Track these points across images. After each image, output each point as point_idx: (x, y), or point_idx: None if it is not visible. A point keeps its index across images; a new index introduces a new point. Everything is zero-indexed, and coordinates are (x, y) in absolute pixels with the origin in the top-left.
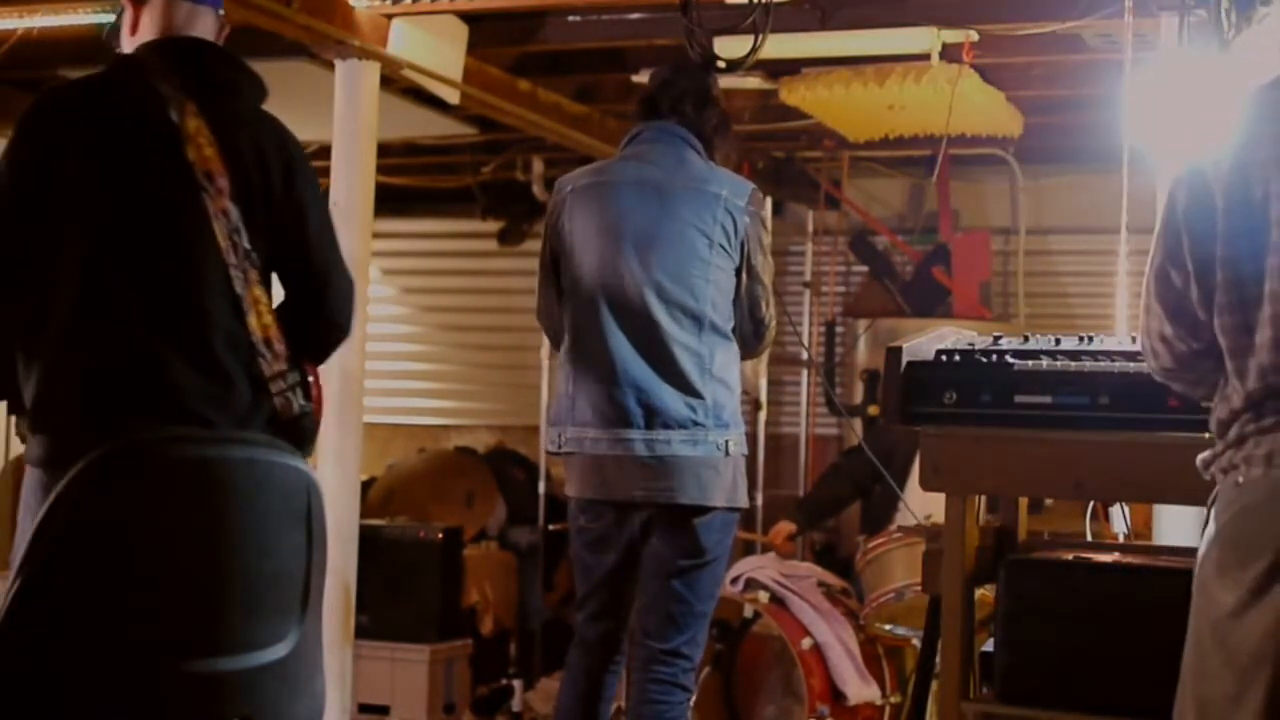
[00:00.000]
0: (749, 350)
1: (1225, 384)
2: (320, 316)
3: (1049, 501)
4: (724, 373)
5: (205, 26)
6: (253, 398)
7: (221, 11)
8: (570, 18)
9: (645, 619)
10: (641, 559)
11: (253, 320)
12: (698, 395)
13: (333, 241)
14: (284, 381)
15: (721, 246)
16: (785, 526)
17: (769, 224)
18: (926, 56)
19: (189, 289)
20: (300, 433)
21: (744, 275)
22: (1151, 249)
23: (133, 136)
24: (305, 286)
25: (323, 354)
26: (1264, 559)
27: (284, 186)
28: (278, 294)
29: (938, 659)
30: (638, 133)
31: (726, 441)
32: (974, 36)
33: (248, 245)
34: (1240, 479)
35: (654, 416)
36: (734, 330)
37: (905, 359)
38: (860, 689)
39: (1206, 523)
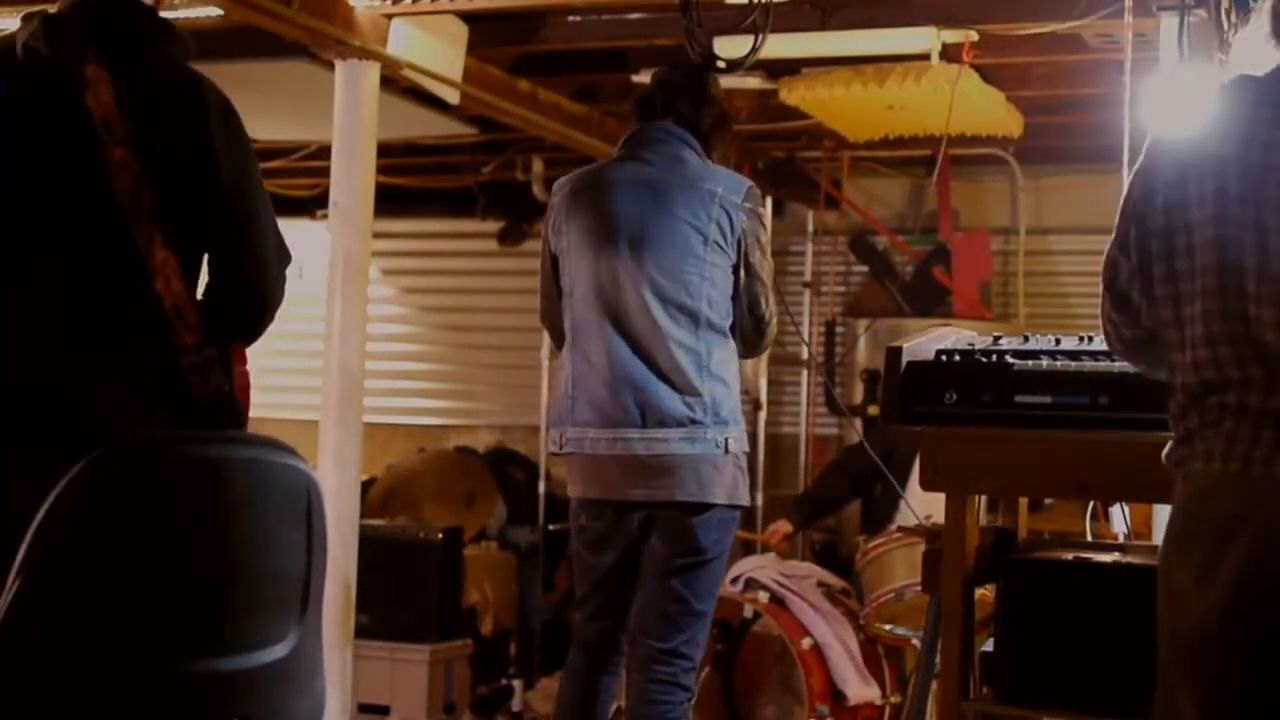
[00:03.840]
0: (750, 348)
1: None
2: (237, 284)
3: (1049, 501)
4: (722, 370)
5: None
6: (161, 374)
7: None
8: (570, 18)
9: (644, 618)
10: (640, 558)
11: (159, 285)
12: (695, 393)
13: (252, 203)
14: (197, 355)
15: (717, 244)
16: (781, 526)
17: (767, 221)
18: (926, 56)
19: (81, 246)
20: (220, 420)
21: (742, 272)
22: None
23: (32, 85)
24: (218, 248)
25: (242, 328)
26: (1203, 552)
27: (192, 137)
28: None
29: (938, 659)
30: (634, 133)
31: (726, 439)
32: (974, 36)
33: (150, 201)
34: (1187, 473)
35: (651, 415)
36: (733, 328)
37: (905, 359)
38: (860, 689)
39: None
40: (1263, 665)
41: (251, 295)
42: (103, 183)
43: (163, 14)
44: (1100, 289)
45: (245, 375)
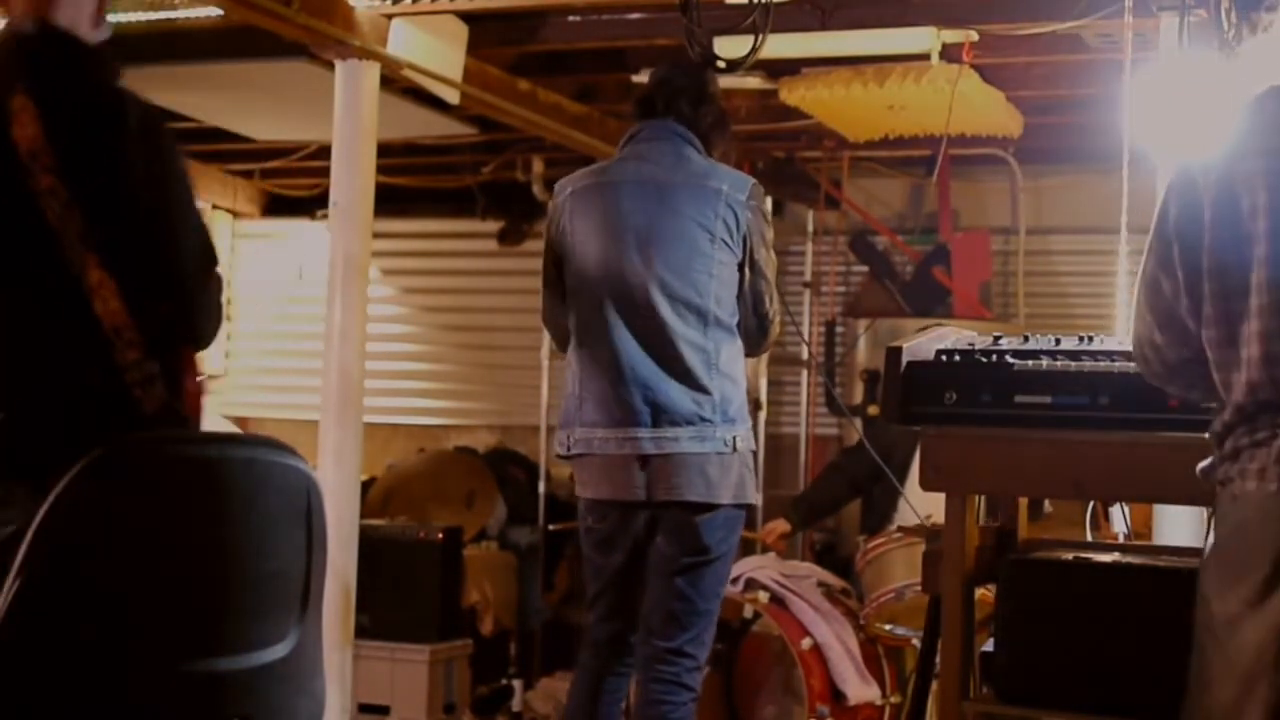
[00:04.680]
0: (753, 346)
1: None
2: (160, 301)
3: (1049, 508)
4: (730, 368)
5: (71, 12)
6: (107, 394)
7: None
8: (570, 18)
9: (649, 617)
10: (647, 558)
11: (98, 306)
12: (705, 391)
13: (168, 221)
14: (139, 371)
15: (724, 241)
16: (779, 525)
17: (769, 218)
18: (926, 56)
19: (18, 275)
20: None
21: (747, 270)
22: (1144, 254)
23: None
24: (140, 266)
25: (182, 338)
26: (1259, 573)
27: (109, 159)
28: None
29: (938, 659)
30: (636, 132)
31: (734, 437)
32: (974, 36)
33: (81, 224)
34: (1235, 493)
35: (661, 414)
36: (738, 326)
37: (905, 359)
38: (860, 689)
39: (1208, 533)
40: None
41: (177, 311)
42: (34, 211)
43: (158, 15)
44: (1134, 312)
45: (196, 384)
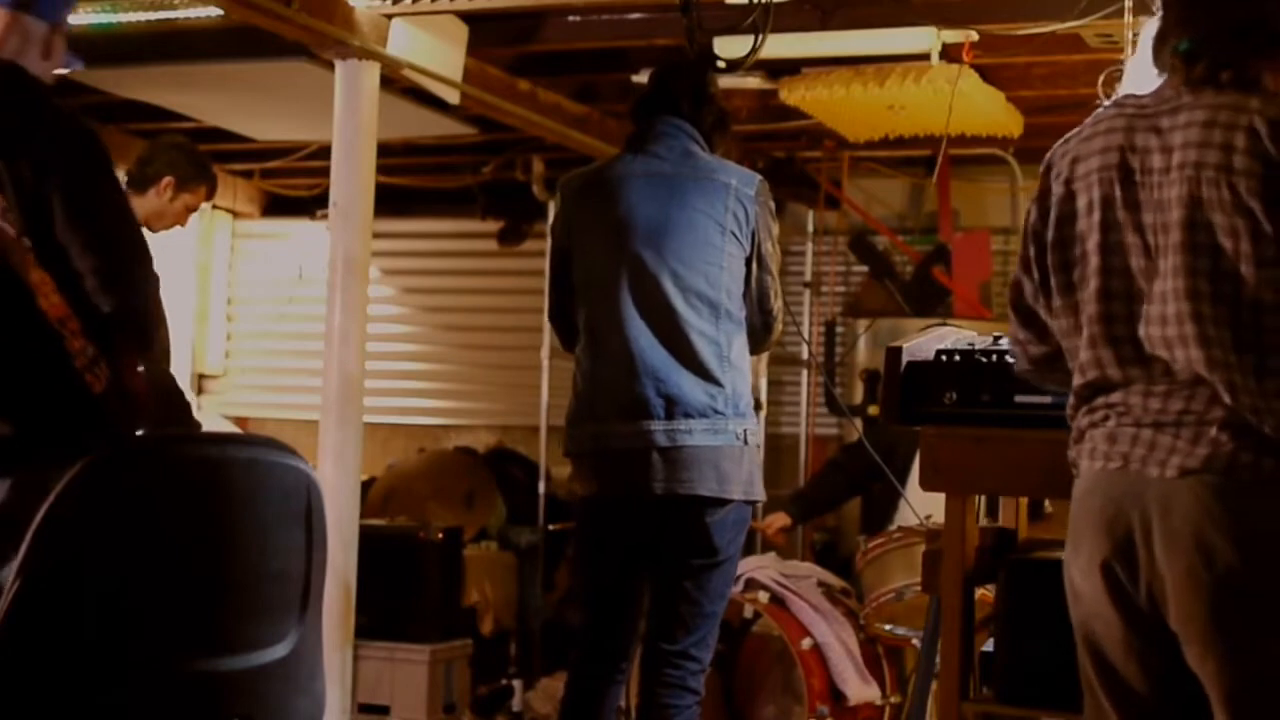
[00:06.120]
0: (757, 344)
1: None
2: (116, 313)
3: (1049, 508)
4: (741, 361)
5: (17, 42)
6: (62, 380)
7: (7, 4)
8: (570, 18)
9: (654, 619)
10: (652, 559)
11: (41, 302)
12: (717, 383)
13: (118, 235)
14: (84, 357)
15: (734, 234)
16: (780, 518)
17: (775, 214)
18: (926, 56)
19: None
20: (120, 408)
21: (754, 265)
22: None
23: None
24: (92, 280)
25: (129, 344)
26: (1089, 544)
27: (33, 174)
28: None
29: (938, 659)
30: (640, 129)
31: (745, 431)
32: (974, 36)
33: (18, 230)
34: (1080, 472)
35: (674, 406)
36: (745, 320)
37: (905, 359)
38: (860, 689)
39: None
40: (1153, 652)
41: (120, 320)
42: None
43: (158, 15)
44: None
45: (133, 371)
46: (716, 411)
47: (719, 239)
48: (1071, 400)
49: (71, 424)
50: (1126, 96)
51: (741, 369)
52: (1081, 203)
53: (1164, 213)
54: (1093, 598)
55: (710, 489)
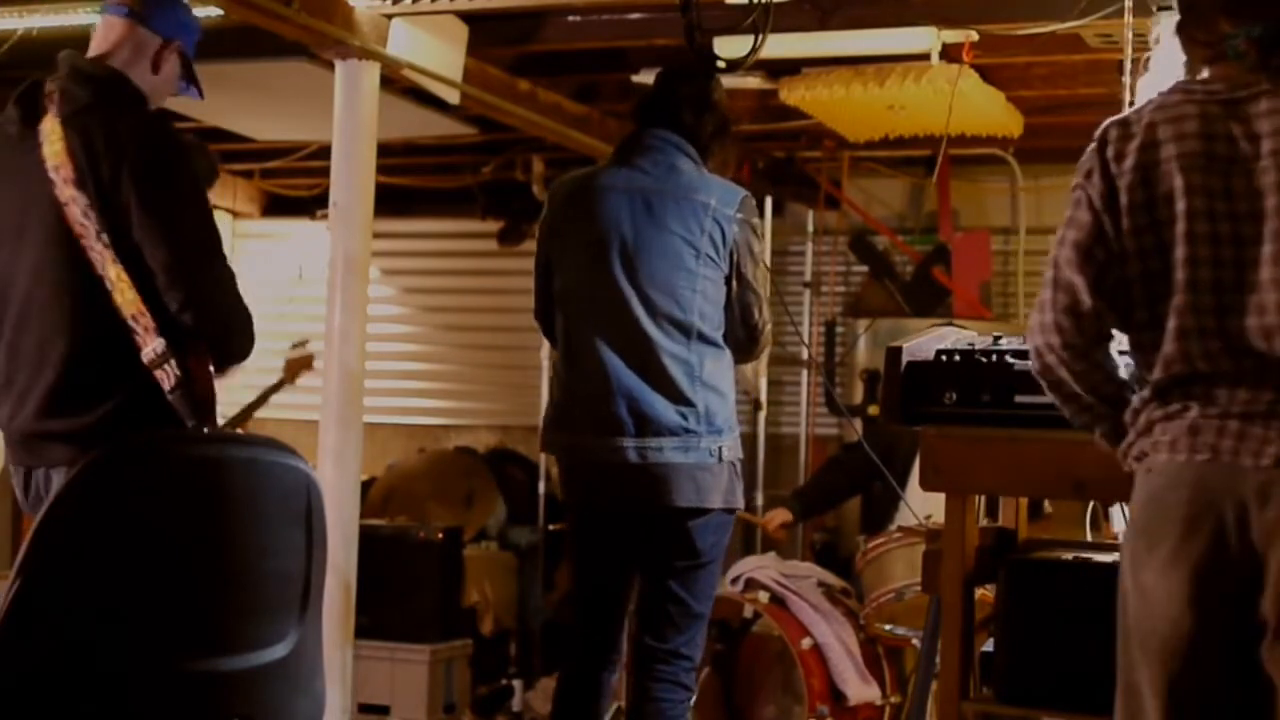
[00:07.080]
0: (744, 354)
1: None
2: (182, 311)
3: (1049, 509)
4: (715, 380)
5: (105, 39)
6: (131, 377)
7: (124, 14)
8: (570, 18)
9: (643, 620)
10: (638, 561)
11: (117, 298)
12: (689, 403)
13: (188, 236)
14: (154, 353)
15: (709, 257)
16: (781, 514)
17: (760, 230)
18: (926, 56)
19: (49, 271)
20: (185, 405)
21: (734, 283)
22: (1063, 227)
23: (5, 146)
24: (162, 278)
25: (190, 332)
26: (1170, 540)
27: (111, 174)
28: None
29: (938, 659)
30: (631, 138)
31: (720, 448)
32: (974, 36)
33: (98, 227)
34: (1149, 466)
35: (646, 424)
36: (725, 337)
37: (905, 359)
38: (860, 689)
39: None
40: (1226, 653)
41: (193, 319)
42: (60, 218)
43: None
44: (1049, 292)
45: (200, 363)
46: (688, 430)
47: (693, 263)
48: (1146, 393)
49: (139, 419)
50: (1190, 82)
51: (715, 388)
52: (1161, 190)
53: (1257, 200)
54: (1166, 596)
55: (689, 500)
